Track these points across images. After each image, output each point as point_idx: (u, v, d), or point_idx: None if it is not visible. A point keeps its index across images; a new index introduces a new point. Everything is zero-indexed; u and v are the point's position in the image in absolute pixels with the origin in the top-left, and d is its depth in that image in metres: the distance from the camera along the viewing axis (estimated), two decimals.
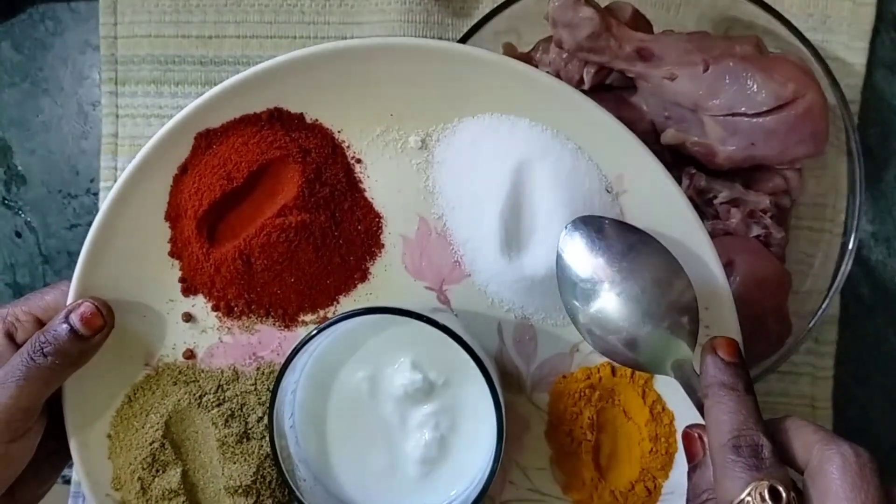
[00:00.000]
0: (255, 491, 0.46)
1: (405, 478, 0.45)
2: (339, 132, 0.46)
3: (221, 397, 0.47)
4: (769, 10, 0.50)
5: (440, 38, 0.57)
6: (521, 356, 0.47)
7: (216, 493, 0.47)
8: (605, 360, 0.47)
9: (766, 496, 0.34)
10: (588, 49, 0.49)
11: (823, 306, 0.51)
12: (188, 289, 0.47)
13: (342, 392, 0.45)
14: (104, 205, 0.45)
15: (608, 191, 0.45)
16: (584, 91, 0.48)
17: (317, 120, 0.46)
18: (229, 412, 0.46)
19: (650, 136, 0.50)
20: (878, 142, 0.56)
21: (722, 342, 0.39)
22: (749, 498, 0.34)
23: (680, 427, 0.46)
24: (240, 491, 0.46)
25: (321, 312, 0.47)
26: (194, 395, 0.46)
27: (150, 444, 0.46)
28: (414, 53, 0.45)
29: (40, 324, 0.45)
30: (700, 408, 0.39)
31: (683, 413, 0.46)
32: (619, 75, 0.51)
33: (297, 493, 0.44)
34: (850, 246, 0.51)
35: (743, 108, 0.47)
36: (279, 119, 0.46)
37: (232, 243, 0.45)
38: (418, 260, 0.47)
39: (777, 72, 0.47)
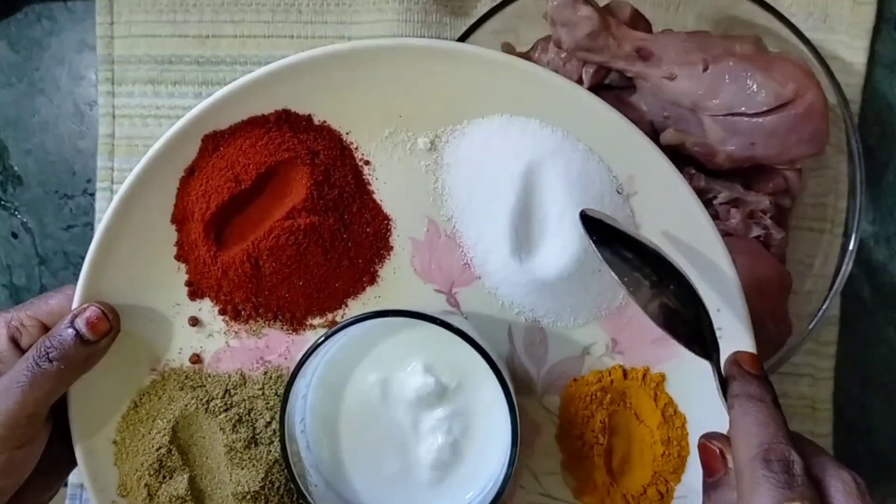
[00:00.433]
0: (263, 497, 0.46)
1: (417, 482, 0.45)
2: (347, 134, 0.46)
3: (229, 402, 0.46)
4: (769, 9, 0.50)
5: (439, 38, 0.56)
6: (532, 359, 0.47)
7: (224, 499, 0.46)
8: (616, 363, 0.47)
9: None
10: (587, 48, 0.49)
11: (824, 307, 0.50)
12: (195, 292, 0.47)
13: (354, 396, 0.45)
14: (110, 208, 0.45)
15: (619, 192, 0.45)
16: None
17: (325, 122, 0.46)
18: (237, 417, 0.46)
19: (650, 136, 0.50)
20: (879, 142, 0.56)
21: (745, 356, 0.39)
22: None
23: (693, 431, 0.46)
24: (248, 497, 0.45)
25: (329, 316, 0.47)
26: (201, 400, 0.46)
27: (157, 450, 0.45)
28: (422, 54, 0.45)
29: (45, 329, 0.45)
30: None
31: (696, 416, 0.46)
32: (618, 75, 0.51)
33: (309, 498, 0.43)
34: (851, 246, 0.50)
35: (743, 108, 0.47)
36: (287, 121, 0.45)
37: (239, 246, 0.45)
38: (427, 262, 0.46)
39: (777, 71, 0.47)
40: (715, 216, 0.51)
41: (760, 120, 0.47)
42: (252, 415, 0.46)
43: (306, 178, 0.45)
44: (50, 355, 0.42)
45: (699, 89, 0.48)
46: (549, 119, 0.45)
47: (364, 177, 0.46)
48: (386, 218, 0.46)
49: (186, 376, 0.47)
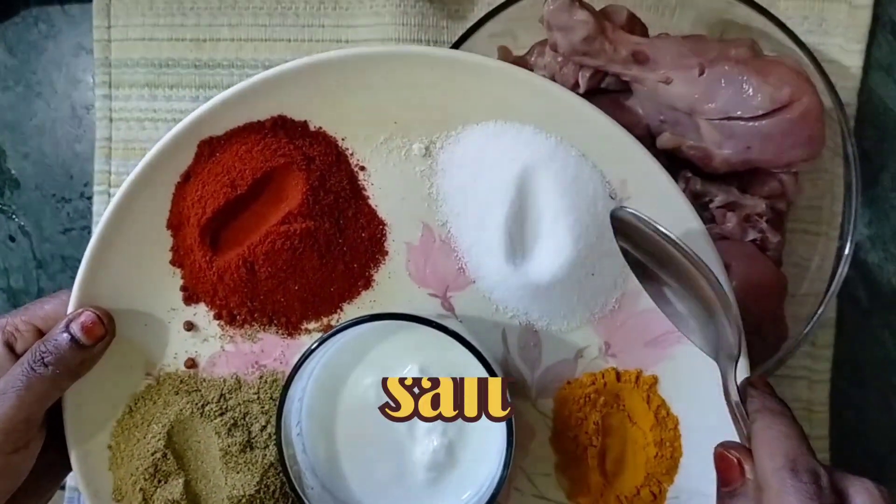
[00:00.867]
0: (258, 501, 0.46)
1: (413, 484, 0.45)
2: (342, 140, 0.46)
3: (224, 406, 0.46)
4: (765, 13, 0.50)
5: (435, 41, 0.57)
6: (526, 362, 0.47)
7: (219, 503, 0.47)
8: (609, 365, 0.47)
9: None
10: (583, 52, 0.49)
11: (820, 310, 0.50)
12: (190, 297, 0.47)
13: (350, 399, 0.45)
14: (105, 213, 0.45)
15: (612, 197, 0.46)
16: (580, 95, 0.48)
17: (320, 128, 0.46)
18: (232, 421, 0.46)
19: (646, 139, 0.50)
20: (875, 145, 0.56)
21: (758, 379, 0.40)
22: None
23: (685, 432, 0.46)
24: (243, 501, 0.45)
25: (325, 320, 0.47)
26: (196, 404, 0.46)
27: (153, 455, 0.45)
28: (417, 61, 0.45)
29: (40, 334, 0.45)
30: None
31: (688, 418, 0.46)
32: (614, 79, 0.51)
33: (306, 501, 0.43)
34: (847, 249, 0.50)
35: (739, 112, 0.47)
36: (283, 127, 0.46)
37: (235, 251, 0.45)
38: (422, 267, 0.47)
39: (773, 75, 0.47)
40: (711, 220, 0.52)
41: (756, 124, 0.47)
42: (247, 419, 0.46)
43: (302, 183, 0.45)
44: (45, 360, 0.42)
45: (695, 93, 0.48)
46: (543, 125, 0.45)
47: (359, 182, 0.46)
48: (381, 223, 0.46)
49: (181, 381, 0.47)
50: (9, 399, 0.42)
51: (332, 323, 0.47)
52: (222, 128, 0.45)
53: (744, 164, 0.49)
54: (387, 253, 0.47)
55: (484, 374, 0.42)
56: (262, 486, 0.46)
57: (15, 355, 0.44)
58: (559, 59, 0.50)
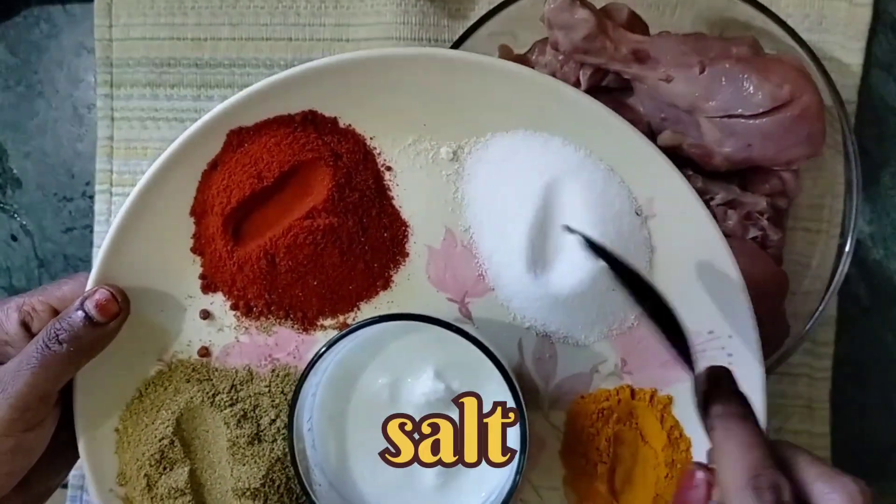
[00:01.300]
0: (262, 495, 0.46)
1: (422, 487, 0.45)
2: (371, 139, 0.46)
3: (235, 397, 0.46)
4: (765, 11, 0.50)
5: (435, 40, 0.56)
6: (540, 373, 0.47)
7: (223, 495, 0.46)
8: (624, 382, 0.47)
9: None
10: (584, 51, 0.49)
11: (821, 307, 0.51)
12: (208, 286, 0.47)
13: (362, 397, 0.45)
14: (129, 197, 0.45)
15: (638, 213, 0.45)
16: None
17: (350, 125, 0.46)
18: (242, 413, 0.46)
19: (646, 136, 0.50)
20: (875, 143, 0.56)
21: (724, 372, 0.37)
22: None
23: (697, 455, 0.46)
24: (248, 494, 0.45)
25: (341, 318, 0.47)
26: (207, 393, 0.46)
27: (160, 441, 0.45)
28: (451, 65, 0.45)
29: (56, 314, 0.45)
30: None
31: (701, 440, 0.45)
32: (615, 77, 0.51)
33: (312, 496, 0.43)
34: (847, 247, 0.50)
35: (739, 110, 0.47)
36: (313, 122, 0.46)
37: (256, 242, 0.45)
38: (442, 271, 0.47)
39: (773, 73, 0.47)
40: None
41: (757, 122, 0.47)
42: (257, 411, 0.46)
43: (328, 179, 0.45)
44: (60, 337, 0.42)
45: (696, 91, 0.48)
46: (573, 137, 0.45)
47: (385, 182, 0.46)
48: (404, 224, 0.46)
49: (193, 369, 0.47)
50: (23, 376, 0.42)
51: (348, 321, 0.47)
52: (252, 119, 0.45)
53: (744, 162, 0.49)
54: (407, 255, 0.47)
55: (499, 378, 0.42)
56: (268, 480, 0.45)
57: (30, 334, 0.44)
58: (560, 57, 0.50)
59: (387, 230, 0.46)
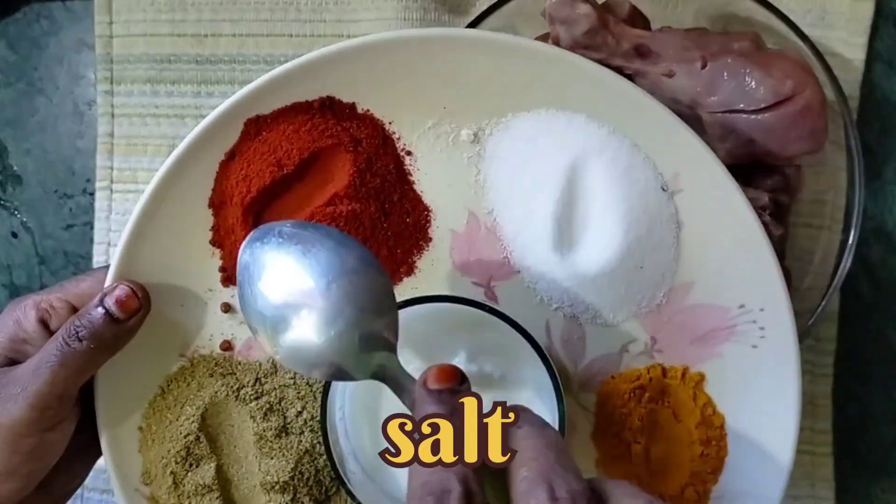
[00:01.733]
0: (291, 488, 0.45)
1: None
2: (389, 123, 0.46)
3: (260, 390, 0.46)
4: (767, 6, 0.50)
5: None
6: (569, 355, 0.46)
7: (251, 490, 0.46)
8: (654, 361, 0.46)
9: None
10: (585, 46, 0.49)
11: (823, 304, 0.50)
12: (229, 278, 0.46)
13: None
14: (147, 190, 0.44)
15: (664, 189, 0.45)
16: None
17: (368, 110, 0.45)
18: (268, 406, 0.45)
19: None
20: (878, 138, 0.56)
21: (431, 371, 0.35)
22: None
23: (731, 431, 0.45)
24: (276, 487, 0.45)
25: None
26: (231, 387, 0.45)
27: (185, 437, 0.45)
28: (469, 45, 0.44)
29: (75, 311, 0.44)
30: (412, 410, 0.36)
31: (734, 416, 0.46)
32: (616, 72, 0.51)
33: (348, 485, 0.42)
34: (850, 243, 0.50)
35: (741, 105, 0.47)
36: (331, 108, 0.45)
37: None
38: (466, 255, 0.46)
39: (775, 68, 0.47)
40: None
41: (759, 117, 0.47)
42: (283, 404, 0.45)
43: (349, 165, 0.44)
44: (79, 334, 0.41)
45: (697, 86, 0.48)
46: (596, 114, 0.44)
47: (405, 167, 0.46)
48: (426, 209, 0.46)
49: (216, 363, 0.46)
50: (43, 374, 0.41)
51: None
52: (269, 107, 0.45)
53: (746, 158, 0.49)
54: (430, 239, 0.46)
55: (533, 360, 0.41)
56: (297, 473, 0.45)
57: (49, 332, 0.43)
58: None
59: (409, 215, 0.45)
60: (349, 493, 0.42)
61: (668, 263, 0.45)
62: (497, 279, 0.46)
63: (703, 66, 0.48)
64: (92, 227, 0.59)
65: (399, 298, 0.44)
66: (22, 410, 0.41)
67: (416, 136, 0.46)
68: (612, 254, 0.44)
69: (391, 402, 0.44)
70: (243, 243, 0.40)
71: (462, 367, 0.41)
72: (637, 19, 0.51)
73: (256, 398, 0.45)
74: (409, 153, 0.46)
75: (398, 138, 0.46)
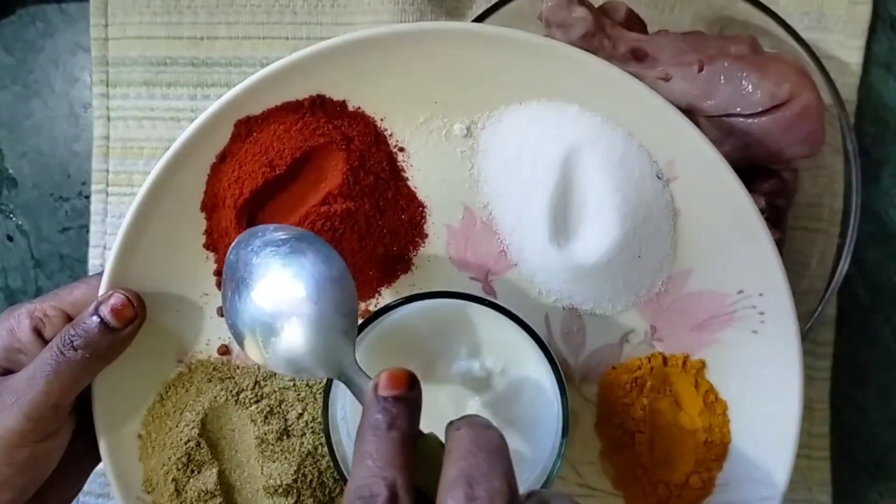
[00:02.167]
0: (295, 490, 0.45)
1: None
2: (381, 120, 0.45)
3: (259, 394, 0.45)
4: (764, 9, 0.49)
5: None
6: (569, 347, 0.46)
7: (254, 494, 0.45)
8: (655, 350, 0.46)
9: None
10: (582, 49, 0.49)
11: (820, 307, 0.50)
12: None
13: None
14: (138, 196, 0.44)
15: (659, 177, 0.44)
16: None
17: (359, 108, 0.45)
18: (268, 409, 0.45)
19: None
20: (875, 142, 0.56)
21: (383, 379, 0.35)
22: None
23: (734, 417, 0.45)
24: (280, 490, 0.44)
25: (363, 305, 0.45)
26: (231, 391, 0.45)
27: (186, 444, 0.44)
28: (459, 38, 0.43)
29: (69, 319, 0.43)
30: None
31: (737, 402, 0.45)
32: None
33: None
34: (847, 246, 0.50)
35: (738, 109, 0.47)
36: (321, 106, 0.44)
37: None
38: (463, 250, 0.45)
39: (772, 72, 0.47)
40: None
41: (756, 121, 0.47)
42: (283, 406, 0.45)
43: (342, 163, 0.44)
44: (74, 343, 0.41)
45: (694, 90, 0.47)
46: (589, 104, 0.44)
47: (399, 163, 0.45)
48: (420, 205, 0.45)
49: (214, 368, 0.46)
50: (37, 384, 0.40)
51: (370, 308, 0.45)
52: (259, 107, 0.44)
53: (743, 161, 0.49)
54: (426, 236, 0.45)
55: (534, 354, 0.41)
56: (300, 476, 0.44)
57: (43, 341, 0.43)
58: None
59: (404, 212, 0.45)
60: None
61: (666, 251, 0.45)
62: (494, 273, 0.46)
63: (700, 70, 0.48)
64: (88, 231, 0.59)
65: (396, 296, 0.44)
66: (16, 421, 0.40)
67: (409, 131, 0.45)
68: (609, 243, 0.44)
69: None
70: (229, 249, 0.40)
71: (462, 363, 0.42)
72: (634, 23, 0.51)
73: (256, 401, 0.45)
74: (401, 149, 0.45)
75: (390, 135, 0.45)
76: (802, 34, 0.50)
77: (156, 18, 0.57)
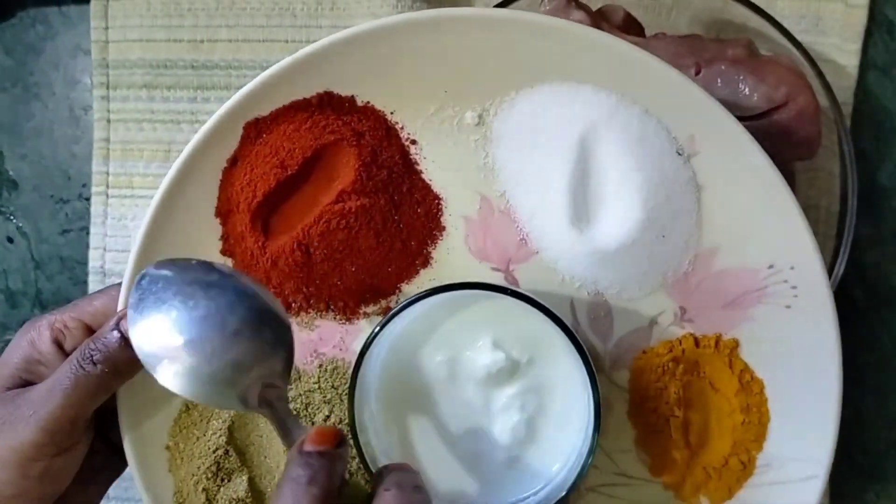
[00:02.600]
0: None
1: (493, 463, 0.43)
2: (391, 113, 0.44)
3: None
4: (761, 12, 0.49)
5: None
6: (597, 334, 0.45)
7: None
8: (686, 331, 0.45)
9: None
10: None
11: None
12: None
13: (420, 379, 0.43)
14: (151, 206, 0.43)
15: (679, 153, 0.43)
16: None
17: (368, 102, 0.44)
18: (294, 412, 0.44)
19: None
20: (871, 144, 0.56)
21: (314, 434, 0.36)
22: None
23: (772, 396, 0.44)
24: None
25: (383, 303, 0.45)
26: None
27: (214, 452, 0.44)
28: (465, 23, 0.42)
29: (89, 330, 0.43)
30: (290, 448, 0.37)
31: (774, 381, 0.44)
32: None
33: None
34: (844, 249, 0.50)
35: (735, 112, 0.47)
36: (330, 103, 0.44)
37: (288, 234, 0.43)
38: (482, 240, 0.44)
39: (769, 75, 0.47)
40: None
41: (752, 123, 0.47)
42: (310, 409, 0.45)
43: (354, 159, 0.43)
44: (94, 358, 0.40)
45: None
46: (603, 83, 0.43)
47: (411, 156, 0.44)
48: (436, 197, 0.45)
49: None
50: (55, 398, 0.40)
51: (391, 305, 0.44)
52: (268, 108, 0.43)
53: None
54: (444, 228, 0.45)
55: (564, 342, 0.40)
56: None
57: (64, 353, 0.42)
58: None
59: (420, 205, 0.44)
60: None
61: (691, 229, 0.44)
62: (516, 262, 0.45)
63: (697, 73, 0.48)
64: (88, 233, 0.59)
65: (417, 290, 0.43)
66: (33, 434, 0.40)
67: (420, 123, 0.44)
68: (632, 225, 0.43)
69: (419, 398, 0.43)
70: (134, 284, 0.39)
71: (487, 354, 0.41)
72: (631, 26, 0.51)
73: None
74: (413, 142, 0.45)
75: (401, 128, 0.44)
76: (799, 37, 0.49)
77: (156, 21, 0.57)
